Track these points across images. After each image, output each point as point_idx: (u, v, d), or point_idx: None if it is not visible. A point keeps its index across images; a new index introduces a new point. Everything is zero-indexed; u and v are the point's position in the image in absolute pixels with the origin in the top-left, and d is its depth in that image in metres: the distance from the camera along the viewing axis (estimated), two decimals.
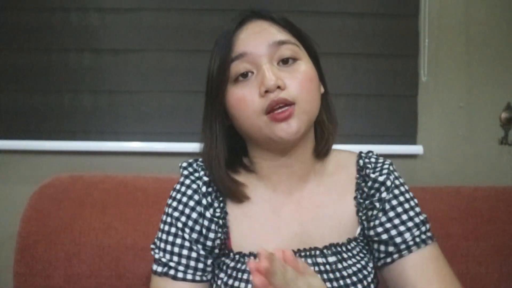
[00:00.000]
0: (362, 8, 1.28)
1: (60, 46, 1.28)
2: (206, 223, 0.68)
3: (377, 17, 1.28)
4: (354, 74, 1.29)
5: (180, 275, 0.66)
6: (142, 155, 1.29)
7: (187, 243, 0.67)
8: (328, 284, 0.64)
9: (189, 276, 0.67)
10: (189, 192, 0.69)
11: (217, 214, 0.68)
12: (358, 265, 0.67)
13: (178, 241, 0.68)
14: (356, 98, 1.30)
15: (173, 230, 0.68)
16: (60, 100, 1.29)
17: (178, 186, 0.71)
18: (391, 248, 0.68)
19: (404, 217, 0.69)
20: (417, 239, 0.67)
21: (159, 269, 0.67)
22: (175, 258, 0.67)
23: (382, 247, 0.68)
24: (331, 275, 0.65)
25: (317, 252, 0.66)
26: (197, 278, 0.67)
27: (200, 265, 0.67)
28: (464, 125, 1.28)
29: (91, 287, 1.01)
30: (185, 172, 0.72)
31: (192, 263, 0.67)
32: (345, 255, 0.67)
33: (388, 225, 0.68)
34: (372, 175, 0.71)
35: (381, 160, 0.74)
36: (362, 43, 1.29)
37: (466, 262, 1.00)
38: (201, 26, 1.28)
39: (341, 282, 0.65)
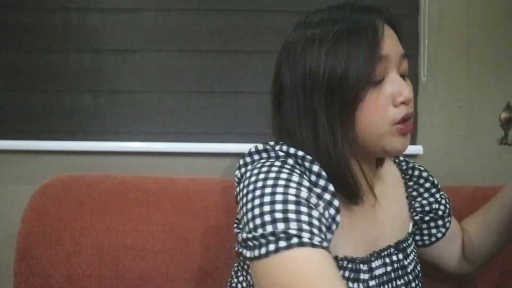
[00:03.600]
0: None
1: (60, 46, 1.28)
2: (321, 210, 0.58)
3: None
4: None
5: (321, 243, 0.54)
6: (142, 155, 1.29)
7: (316, 214, 0.56)
8: (398, 282, 0.69)
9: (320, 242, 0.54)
10: (306, 183, 0.57)
11: (331, 212, 0.59)
12: (415, 260, 0.74)
13: (315, 213, 0.55)
14: None
15: (304, 209, 0.54)
16: (60, 100, 1.29)
17: (277, 165, 0.58)
18: (439, 222, 0.83)
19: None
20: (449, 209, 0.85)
21: (295, 240, 0.51)
22: (315, 222, 0.54)
23: (432, 223, 0.83)
24: (400, 272, 0.69)
25: (391, 250, 0.70)
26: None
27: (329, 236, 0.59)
28: (464, 125, 1.28)
29: (91, 287, 1.01)
30: (281, 153, 0.60)
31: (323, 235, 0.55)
32: (408, 251, 0.73)
33: (426, 195, 0.83)
34: (416, 172, 0.82)
35: (412, 161, 0.85)
36: None
37: None
38: (201, 26, 1.28)
39: (406, 278, 0.70)
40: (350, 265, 0.63)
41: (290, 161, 0.59)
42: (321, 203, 0.58)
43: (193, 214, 1.06)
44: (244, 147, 1.11)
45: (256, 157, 0.62)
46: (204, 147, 1.25)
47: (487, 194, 1.09)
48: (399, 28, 0.65)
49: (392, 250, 0.70)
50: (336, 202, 0.59)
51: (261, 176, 0.56)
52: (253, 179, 0.57)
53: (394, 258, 0.69)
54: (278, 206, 0.53)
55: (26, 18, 1.28)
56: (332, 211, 0.59)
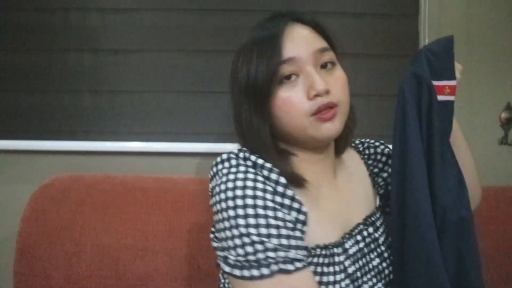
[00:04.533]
0: (362, 8, 1.28)
1: (60, 46, 1.28)
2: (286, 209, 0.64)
3: (377, 17, 1.28)
4: (354, 74, 1.29)
5: (296, 264, 0.60)
6: (142, 155, 1.29)
7: (289, 224, 0.62)
8: (372, 255, 0.72)
9: (300, 264, 0.60)
10: (260, 178, 0.63)
11: (295, 206, 0.65)
12: (386, 232, 0.77)
13: (281, 223, 0.61)
14: (356, 98, 1.28)
15: (271, 221, 0.60)
16: (60, 100, 1.29)
17: (240, 176, 0.63)
18: None
19: None
20: None
21: (265, 270, 0.58)
22: (284, 241, 0.60)
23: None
24: (372, 246, 0.73)
25: (361, 227, 0.74)
26: (307, 261, 0.63)
27: (304, 244, 0.64)
28: (464, 125, 1.27)
29: (91, 287, 1.01)
30: (242, 162, 0.66)
31: (300, 243, 0.63)
32: (377, 224, 0.76)
33: (386, 167, 0.84)
34: (372, 150, 0.85)
35: (368, 139, 0.88)
36: (362, 43, 1.29)
37: None
38: (201, 26, 1.28)
39: (379, 249, 0.74)
40: (324, 252, 0.66)
41: (251, 170, 0.64)
42: (286, 206, 0.64)
43: (193, 214, 1.06)
44: None
45: (219, 166, 0.67)
46: (204, 147, 1.25)
47: (487, 194, 1.09)
48: (316, 26, 0.71)
49: (362, 227, 0.74)
50: (296, 205, 0.64)
51: (230, 193, 0.61)
52: (223, 196, 0.62)
53: (365, 233, 0.73)
54: (253, 230, 0.59)
55: (26, 18, 1.28)
56: (294, 213, 0.64)
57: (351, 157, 0.83)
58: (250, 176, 0.63)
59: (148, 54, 1.29)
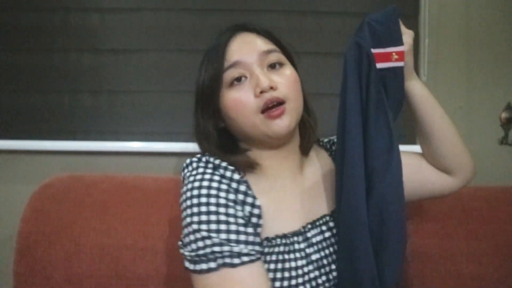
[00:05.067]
0: (362, 8, 1.28)
1: (60, 46, 1.28)
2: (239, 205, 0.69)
3: None
4: None
5: (242, 259, 0.64)
6: (142, 155, 1.29)
7: (240, 220, 0.67)
8: (335, 247, 0.75)
9: (247, 258, 0.64)
10: (216, 177, 0.69)
11: (249, 201, 0.70)
12: None
13: (231, 219, 0.66)
14: None
15: (222, 217, 0.65)
16: (60, 100, 1.29)
17: (198, 177, 0.69)
18: None
19: None
20: None
21: (212, 264, 0.63)
22: (233, 236, 0.65)
23: None
24: (333, 240, 0.76)
25: (327, 218, 0.77)
26: (257, 255, 0.66)
27: (257, 239, 0.68)
28: (464, 125, 1.28)
29: (91, 287, 1.01)
30: (201, 164, 0.73)
31: (251, 238, 0.66)
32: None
33: None
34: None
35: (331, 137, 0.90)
36: None
37: (466, 262, 1.00)
38: (201, 26, 1.28)
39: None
40: (283, 241, 0.71)
41: (209, 170, 0.70)
42: (239, 202, 0.69)
43: None
44: None
45: (185, 171, 0.74)
46: None
47: (487, 194, 1.09)
48: (261, 32, 0.77)
49: (328, 218, 0.77)
50: (249, 199, 0.69)
51: (188, 194, 0.67)
52: (184, 197, 0.68)
53: (331, 224, 0.77)
54: (204, 226, 0.64)
55: (26, 18, 1.28)
56: (248, 207, 0.69)
57: (319, 155, 0.86)
58: (207, 176, 0.69)
59: (148, 54, 1.29)
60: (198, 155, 0.75)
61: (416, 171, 0.85)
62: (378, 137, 0.71)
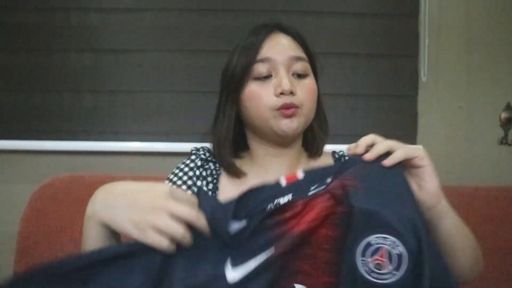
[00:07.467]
0: (362, 8, 1.28)
1: (60, 46, 1.28)
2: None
3: (377, 17, 1.28)
4: (354, 74, 1.29)
5: None
6: (142, 155, 1.29)
7: None
8: None
9: None
10: (192, 164, 0.81)
11: (209, 187, 0.78)
12: None
13: None
14: (356, 98, 1.30)
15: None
16: (60, 100, 1.29)
17: (185, 161, 0.82)
18: None
19: None
20: None
21: None
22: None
23: None
24: None
25: None
26: None
27: None
28: (464, 125, 1.28)
29: None
30: (193, 151, 0.84)
31: None
32: None
33: None
34: (347, 158, 0.87)
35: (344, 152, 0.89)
36: (362, 43, 1.29)
37: None
38: (201, 26, 1.28)
39: None
40: None
41: (193, 157, 0.82)
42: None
43: None
44: None
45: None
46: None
47: (487, 194, 1.09)
48: (297, 37, 0.80)
49: None
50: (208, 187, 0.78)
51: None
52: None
53: None
54: None
55: (26, 18, 1.28)
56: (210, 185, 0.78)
57: (326, 163, 0.86)
58: (187, 162, 0.81)
59: (148, 54, 1.29)
60: (199, 147, 0.83)
61: None
62: None
